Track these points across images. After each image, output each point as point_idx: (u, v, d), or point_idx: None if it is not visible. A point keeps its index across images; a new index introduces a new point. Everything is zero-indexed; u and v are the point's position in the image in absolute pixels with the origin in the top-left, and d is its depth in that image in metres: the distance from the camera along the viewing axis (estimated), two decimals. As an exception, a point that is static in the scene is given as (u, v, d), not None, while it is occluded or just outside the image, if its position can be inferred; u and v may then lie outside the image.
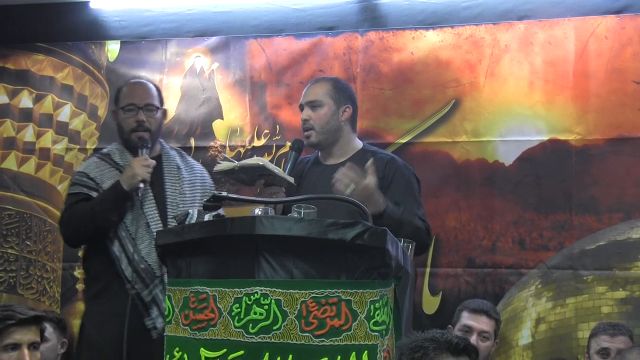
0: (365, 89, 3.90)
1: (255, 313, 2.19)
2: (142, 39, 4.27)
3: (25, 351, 2.53)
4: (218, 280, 2.29)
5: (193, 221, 2.98)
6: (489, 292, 3.65)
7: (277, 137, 4.02)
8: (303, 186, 3.11)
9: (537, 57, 3.73)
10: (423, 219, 3.02)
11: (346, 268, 2.19)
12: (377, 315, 2.16)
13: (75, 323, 4.10)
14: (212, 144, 4.10)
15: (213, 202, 2.54)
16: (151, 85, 3.34)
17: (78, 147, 4.27)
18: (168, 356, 2.39)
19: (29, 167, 4.30)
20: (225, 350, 2.22)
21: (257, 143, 4.04)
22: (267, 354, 2.17)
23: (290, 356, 2.15)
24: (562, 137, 3.65)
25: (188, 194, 3.22)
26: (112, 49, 4.29)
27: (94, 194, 3.16)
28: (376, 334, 2.15)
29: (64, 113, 4.30)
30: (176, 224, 2.98)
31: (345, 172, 2.82)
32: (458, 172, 3.76)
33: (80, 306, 4.12)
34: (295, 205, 2.38)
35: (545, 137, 3.67)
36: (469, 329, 3.32)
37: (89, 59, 4.31)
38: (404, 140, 3.84)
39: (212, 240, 2.34)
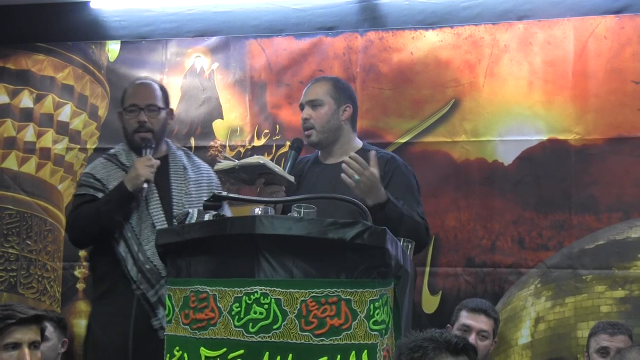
0: (365, 89, 3.91)
1: (255, 312, 2.20)
2: (142, 39, 4.27)
3: (26, 350, 2.54)
4: (218, 279, 2.30)
5: (193, 221, 2.99)
6: (489, 291, 3.65)
7: (277, 137, 4.03)
8: (303, 185, 3.11)
9: (537, 57, 3.73)
10: (422, 217, 3.03)
11: (346, 267, 2.20)
12: (377, 314, 2.16)
13: (76, 322, 4.11)
14: (212, 143, 4.11)
15: (213, 202, 2.55)
16: (155, 86, 3.34)
17: (78, 147, 4.27)
18: (168, 355, 2.39)
19: (30, 167, 4.30)
20: (225, 349, 2.23)
21: (257, 143, 4.05)
22: (267, 353, 2.17)
23: (290, 355, 2.16)
24: (561, 136, 3.66)
25: (194, 194, 3.21)
26: (113, 49, 4.30)
27: (100, 195, 3.16)
28: (376, 333, 2.16)
29: (65, 113, 4.31)
30: (176, 224, 3.00)
31: (350, 163, 2.83)
32: (457, 172, 3.76)
33: (81, 305, 4.14)
34: (295, 205, 2.38)
35: (544, 137, 3.67)
36: (467, 328, 3.33)
37: (90, 59, 4.31)
38: (403, 140, 3.85)
39: (212, 239, 2.34)
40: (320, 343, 2.14)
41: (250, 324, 2.20)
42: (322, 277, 2.19)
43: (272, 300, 2.18)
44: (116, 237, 3.12)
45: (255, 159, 2.90)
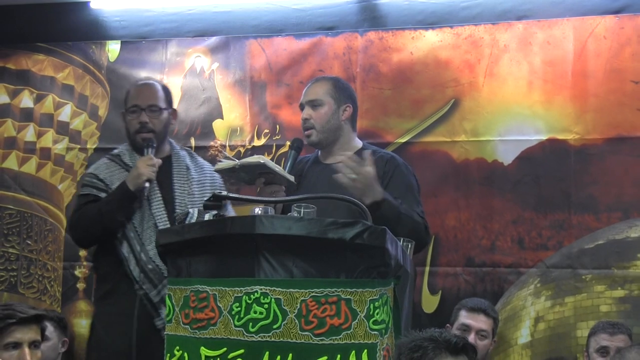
0: (365, 89, 3.91)
1: (255, 312, 2.20)
2: (142, 39, 4.28)
3: (26, 350, 2.54)
4: (218, 279, 2.30)
5: (193, 221, 2.99)
6: (488, 291, 3.65)
7: (277, 137, 4.03)
8: (303, 185, 3.11)
9: (536, 57, 3.74)
10: (422, 217, 3.03)
11: (346, 267, 2.20)
12: (377, 314, 2.17)
13: (76, 322, 4.12)
14: (212, 143, 4.11)
15: (213, 202, 2.55)
16: (158, 87, 3.33)
17: (79, 146, 4.28)
18: (168, 355, 2.40)
19: (30, 167, 4.31)
20: (225, 349, 2.23)
21: (257, 143, 4.05)
22: (267, 352, 2.17)
23: (290, 355, 2.16)
24: (560, 136, 3.66)
25: (197, 195, 3.21)
26: (113, 49, 4.30)
27: (103, 195, 3.17)
28: (376, 332, 2.16)
29: (65, 113, 4.31)
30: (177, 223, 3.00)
31: (346, 162, 2.84)
32: (457, 172, 3.77)
33: (81, 305, 4.14)
34: (295, 205, 2.38)
35: (544, 137, 3.68)
36: (466, 328, 3.33)
37: (90, 59, 4.31)
38: (403, 140, 3.85)
39: (212, 239, 2.34)
40: (320, 343, 2.15)
41: (250, 323, 2.20)
42: (322, 277, 2.19)
43: (272, 299, 2.18)
44: (119, 237, 3.12)
45: (255, 158, 2.90)
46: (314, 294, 2.17)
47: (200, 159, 3.41)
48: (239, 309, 2.22)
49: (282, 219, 2.29)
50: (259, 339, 2.18)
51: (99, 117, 4.28)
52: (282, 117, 4.03)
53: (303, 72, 4.01)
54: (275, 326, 2.18)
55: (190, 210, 3.06)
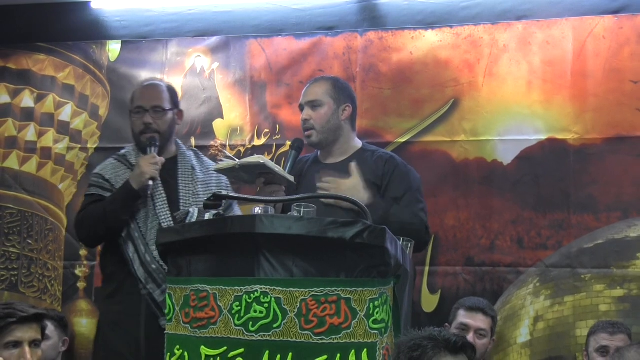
0: (365, 89, 3.92)
1: (255, 311, 2.21)
2: (142, 38, 4.28)
3: (27, 349, 2.54)
4: (218, 278, 2.30)
5: (194, 220, 3.00)
6: (488, 290, 3.66)
7: (277, 137, 4.03)
8: (303, 185, 3.12)
9: (536, 57, 3.74)
10: (422, 216, 3.04)
11: (346, 266, 2.20)
12: (377, 313, 2.17)
13: (77, 321, 4.12)
14: (212, 143, 4.11)
15: (213, 201, 2.55)
16: (163, 88, 3.33)
17: (79, 146, 4.28)
18: (169, 354, 2.40)
19: (31, 166, 4.31)
20: (225, 348, 2.24)
21: (257, 142, 4.06)
22: (267, 352, 2.18)
23: (290, 354, 2.16)
24: (560, 136, 3.66)
25: (202, 195, 3.19)
26: (113, 48, 4.31)
27: (108, 195, 3.18)
28: (375, 332, 2.16)
29: (65, 112, 4.32)
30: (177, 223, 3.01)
31: (321, 186, 2.97)
32: (457, 171, 3.77)
33: (82, 304, 4.15)
34: (295, 204, 2.39)
35: (543, 137, 3.68)
36: (465, 327, 3.33)
37: (90, 58, 4.32)
38: (403, 140, 3.85)
39: (212, 238, 2.35)
40: (320, 342, 2.15)
41: (251, 322, 2.21)
42: (322, 276, 2.20)
43: (272, 299, 2.19)
44: (124, 238, 3.13)
45: (255, 158, 2.91)
46: (314, 293, 2.17)
47: (206, 160, 3.41)
48: (239, 308, 2.23)
49: (282, 218, 2.30)
50: (259, 338, 2.19)
51: (99, 117, 4.29)
52: (282, 117, 4.04)
53: (303, 72, 4.02)
54: (275, 325, 2.18)
55: (191, 209, 3.08)
